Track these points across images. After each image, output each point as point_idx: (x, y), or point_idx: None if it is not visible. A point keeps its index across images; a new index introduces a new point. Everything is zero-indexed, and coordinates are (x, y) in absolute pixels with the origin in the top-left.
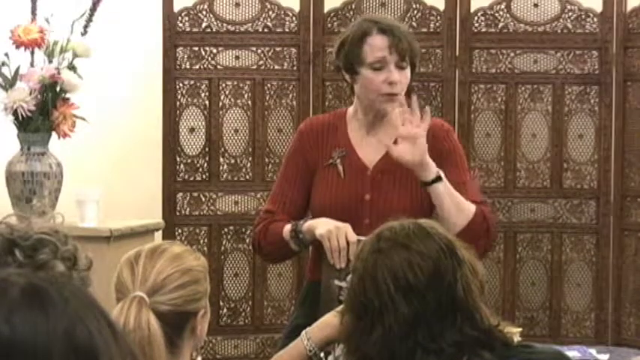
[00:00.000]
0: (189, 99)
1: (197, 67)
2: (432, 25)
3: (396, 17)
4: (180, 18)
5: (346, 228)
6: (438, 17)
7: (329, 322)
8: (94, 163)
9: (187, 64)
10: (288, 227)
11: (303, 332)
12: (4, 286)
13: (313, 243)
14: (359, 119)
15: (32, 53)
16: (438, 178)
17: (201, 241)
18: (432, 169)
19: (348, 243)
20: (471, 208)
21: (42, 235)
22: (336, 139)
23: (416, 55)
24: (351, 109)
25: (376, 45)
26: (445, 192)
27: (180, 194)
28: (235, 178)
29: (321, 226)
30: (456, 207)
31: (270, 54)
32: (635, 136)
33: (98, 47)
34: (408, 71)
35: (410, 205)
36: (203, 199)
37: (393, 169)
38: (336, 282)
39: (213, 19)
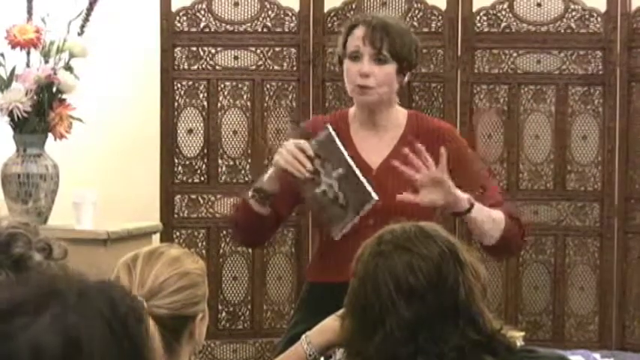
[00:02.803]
0: (187, 100)
1: (195, 67)
2: (433, 25)
3: (397, 17)
4: (178, 18)
5: (289, 142)
6: (440, 17)
7: (329, 325)
8: (90, 165)
9: (185, 64)
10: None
11: (303, 336)
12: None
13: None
14: (358, 119)
15: (28, 53)
16: (471, 206)
17: (200, 244)
18: (463, 199)
19: (301, 150)
20: (500, 216)
21: (13, 230)
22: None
23: (399, 51)
24: (352, 110)
25: (355, 35)
26: (479, 214)
27: (179, 196)
28: (234, 180)
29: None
30: (490, 222)
31: (269, 54)
32: None
33: (95, 47)
34: (388, 67)
35: (415, 206)
36: (201, 202)
37: (398, 170)
38: (317, 190)
39: (211, 19)
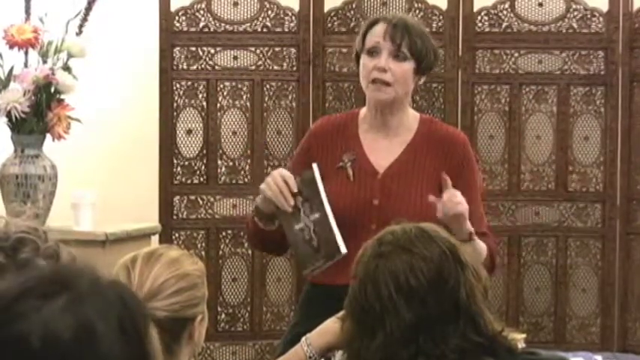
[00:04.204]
0: (186, 100)
1: (195, 67)
2: (434, 25)
3: (417, 20)
4: (177, 17)
5: (279, 171)
6: (441, 17)
7: (330, 327)
8: (89, 166)
9: (185, 64)
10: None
11: (304, 338)
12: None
13: (267, 215)
14: (369, 120)
15: (26, 53)
16: (470, 239)
17: (199, 246)
18: (465, 231)
19: (287, 183)
20: (483, 251)
21: (21, 234)
22: (347, 142)
23: (419, 50)
24: (363, 110)
25: (375, 32)
26: (471, 248)
27: (178, 197)
28: (234, 181)
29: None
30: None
31: (269, 54)
32: None
33: (93, 47)
34: (406, 64)
35: (418, 212)
36: (200, 203)
37: (404, 175)
38: (296, 227)
39: (211, 19)
